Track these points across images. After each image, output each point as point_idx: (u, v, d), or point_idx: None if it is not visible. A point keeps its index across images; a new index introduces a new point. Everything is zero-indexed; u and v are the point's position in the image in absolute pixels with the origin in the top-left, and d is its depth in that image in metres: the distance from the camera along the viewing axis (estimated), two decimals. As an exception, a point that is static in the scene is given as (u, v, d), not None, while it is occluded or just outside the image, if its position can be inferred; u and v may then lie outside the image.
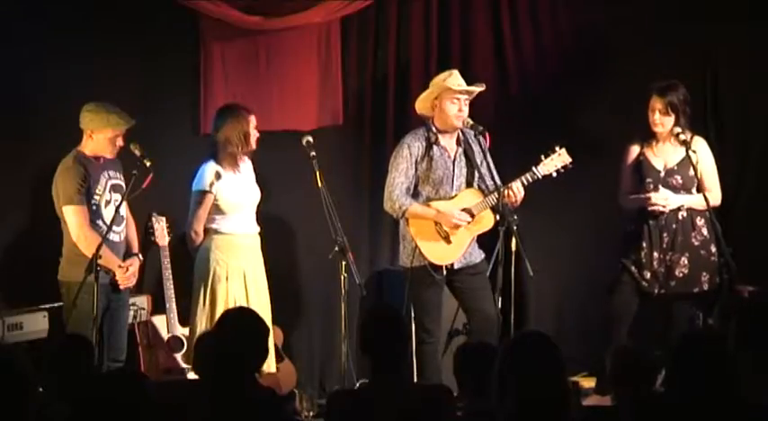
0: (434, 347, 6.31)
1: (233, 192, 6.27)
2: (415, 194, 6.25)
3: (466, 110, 6.20)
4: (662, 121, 6.33)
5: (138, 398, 3.44)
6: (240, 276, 6.25)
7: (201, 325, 6.21)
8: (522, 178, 6.17)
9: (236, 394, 3.93)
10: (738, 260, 6.23)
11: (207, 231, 6.30)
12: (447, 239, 6.20)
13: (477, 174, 6.29)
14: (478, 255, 6.32)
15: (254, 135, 6.27)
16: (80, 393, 3.74)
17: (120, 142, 6.10)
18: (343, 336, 6.12)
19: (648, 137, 6.42)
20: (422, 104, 6.28)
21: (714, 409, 3.49)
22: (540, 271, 6.24)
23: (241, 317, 4.18)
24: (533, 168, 6.21)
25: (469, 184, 6.30)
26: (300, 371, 6.93)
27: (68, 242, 6.07)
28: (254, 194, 6.41)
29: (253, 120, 6.27)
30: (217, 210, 6.28)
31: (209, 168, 6.25)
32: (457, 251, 6.22)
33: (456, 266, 6.24)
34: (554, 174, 6.26)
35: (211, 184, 6.23)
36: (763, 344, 3.75)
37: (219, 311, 6.11)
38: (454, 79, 6.20)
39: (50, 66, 6.62)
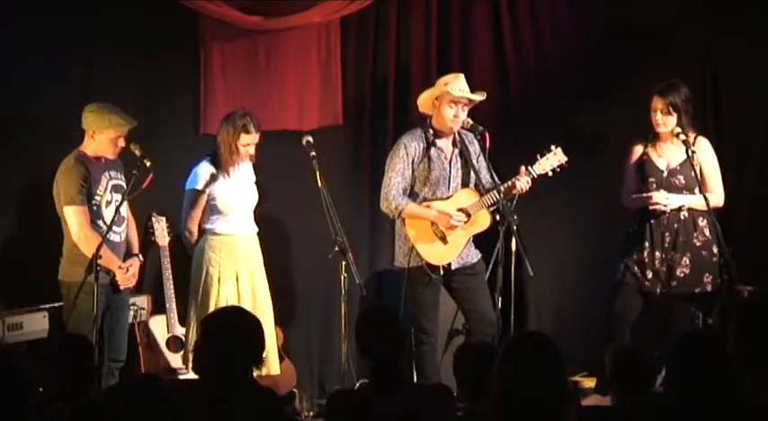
0: (433, 347, 6.32)
1: (228, 194, 6.30)
2: (412, 195, 6.25)
3: (463, 115, 6.19)
4: (664, 121, 6.33)
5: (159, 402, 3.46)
6: (233, 277, 6.28)
7: (194, 326, 6.26)
8: (518, 178, 6.17)
9: (234, 394, 3.92)
10: (738, 260, 6.23)
11: (202, 232, 6.37)
12: (443, 239, 6.20)
13: (473, 175, 6.30)
14: (475, 256, 6.32)
15: (243, 151, 6.27)
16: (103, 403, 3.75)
17: (121, 143, 6.10)
18: (343, 336, 6.12)
19: (652, 136, 6.43)
20: (423, 102, 6.29)
21: (714, 409, 3.49)
22: (539, 271, 6.25)
23: (225, 317, 4.17)
24: (529, 168, 6.22)
25: (465, 185, 6.31)
26: (300, 371, 6.93)
27: (69, 242, 6.07)
28: (251, 196, 6.42)
29: (246, 138, 6.24)
30: (212, 210, 6.32)
31: (204, 168, 6.30)
32: (453, 251, 6.22)
33: (453, 267, 6.24)
34: (550, 174, 6.26)
35: (205, 185, 6.28)
36: (763, 344, 3.75)
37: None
38: (456, 84, 6.18)
39: (50, 66, 6.62)
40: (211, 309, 6.18)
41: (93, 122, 6.08)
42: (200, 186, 6.29)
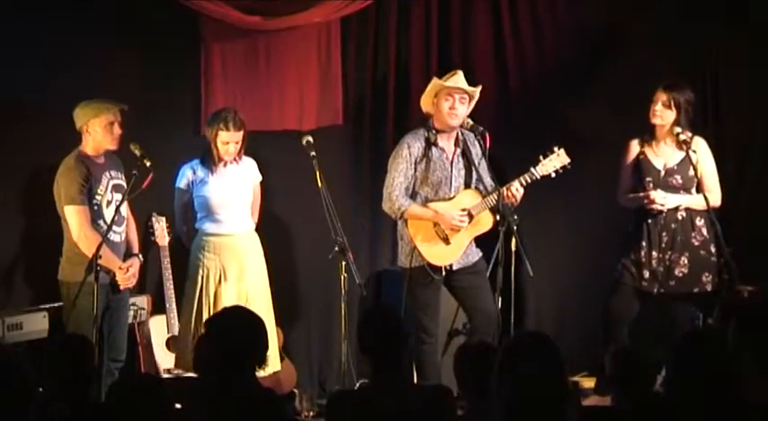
0: (433, 347, 6.32)
1: (214, 193, 6.33)
2: (414, 195, 6.25)
3: (461, 108, 6.19)
4: (662, 114, 6.34)
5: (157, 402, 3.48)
6: (216, 277, 6.28)
7: (182, 324, 6.33)
8: (521, 179, 6.18)
9: (235, 394, 3.92)
10: (738, 260, 6.23)
11: (196, 231, 6.40)
12: (446, 240, 6.20)
13: (475, 175, 6.30)
14: (476, 254, 6.32)
15: (222, 149, 6.29)
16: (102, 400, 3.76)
17: (117, 129, 6.10)
18: (343, 336, 6.12)
19: (649, 136, 6.43)
20: (424, 102, 6.29)
21: (714, 409, 3.49)
22: (539, 271, 6.25)
23: (231, 316, 4.17)
24: (532, 169, 6.22)
25: (467, 185, 6.31)
26: (300, 371, 6.93)
27: (69, 242, 6.07)
28: (242, 195, 6.42)
29: (224, 135, 6.26)
30: (200, 209, 6.37)
31: (187, 168, 6.39)
32: (456, 252, 6.22)
33: (455, 267, 6.24)
34: (552, 175, 6.26)
35: (187, 184, 6.36)
36: (763, 344, 3.75)
37: (194, 312, 6.24)
38: (453, 78, 6.20)
39: (50, 66, 6.62)
40: (194, 308, 6.25)
41: (83, 115, 6.09)
42: (182, 185, 6.39)
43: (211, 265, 6.31)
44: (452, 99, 6.17)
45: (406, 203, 6.19)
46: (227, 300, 6.20)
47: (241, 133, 6.31)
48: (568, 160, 6.26)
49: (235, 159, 6.39)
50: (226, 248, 6.35)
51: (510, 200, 6.12)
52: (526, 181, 6.19)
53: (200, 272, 6.30)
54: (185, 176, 6.38)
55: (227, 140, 6.29)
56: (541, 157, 6.25)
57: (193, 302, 6.28)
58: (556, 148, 6.26)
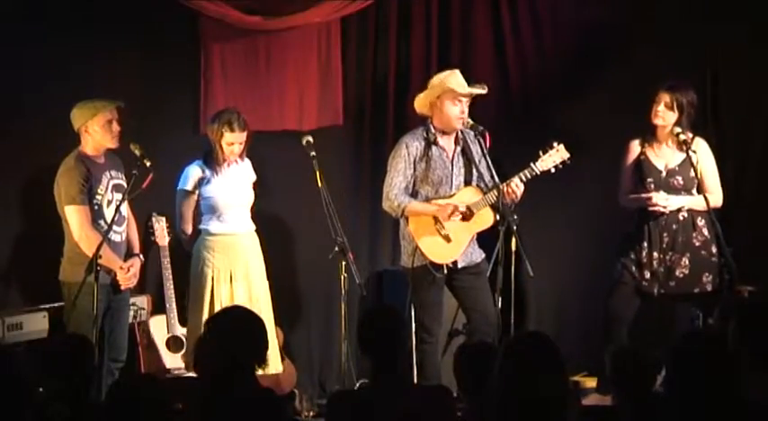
0: (434, 347, 6.32)
1: (219, 193, 6.32)
2: (414, 194, 6.24)
3: (467, 111, 6.19)
4: (664, 115, 6.33)
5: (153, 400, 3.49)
6: (227, 277, 6.28)
7: (192, 325, 6.28)
8: (521, 174, 6.17)
9: (235, 394, 3.93)
10: (738, 260, 6.23)
11: (199, 232, 6.39)
12: (446, 238, 6.19)
13: (475, 173, 6.29)
14: (479, 255, 6.31)
15: (227, 150, 6.29)
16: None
17: (116, 127, 6.10)
18: (343, 336, 6.13)
19: (649, 136, 6.43)
20: (421, 103, 6.27)
21: (714, 409, 3.49)
22: (539, 271, 6.24)
23: (231, 316, 4.17)
24: (532, 164, 6.21)
25: (468, 184, 6.30)
26: (300, 371, 6.93)
27: (70, 242, 6.07)
28: (245, 195, 6.42)
29: (229, 136, 6.26)
30: (205, 210, 6.36)
31: (192, 169, 6.35)
32: (457, 249, 6.22)
33: (459, 265, 6.23)
34: (552, 170, 6.26)
35: (194, 185, 6.33)
36: (762, 344, 3.75)
37: (205, 311, 6.18)
38: (456, 80, 6.17)
39: (50, 66, 6.62)
40: (205, 309, 6.22)
41: (81, 116, 6.09)
42: (188, 187, 6.35)
43: (221, 265, 6.30)
44: (461, 104, 6.16)
45: (406, 201, 6.18)
46: (239, 299, 6.21)
47: (245, 134, 6.32)
48: (568, 155, 6.25)
49: (236, 160, 6.39)
50: (232, 248, 6.34)
51: (510, 196, 6.12)
52: (526, 177, 6.18)
53: (210, 272, 6.28)
54: (192, 177, 6.34)
55: (233, 141, 6.28)
56: (541, 153, 6.24)
57: (203, 303, 6.25)
58: (555, 144, 6.25)
